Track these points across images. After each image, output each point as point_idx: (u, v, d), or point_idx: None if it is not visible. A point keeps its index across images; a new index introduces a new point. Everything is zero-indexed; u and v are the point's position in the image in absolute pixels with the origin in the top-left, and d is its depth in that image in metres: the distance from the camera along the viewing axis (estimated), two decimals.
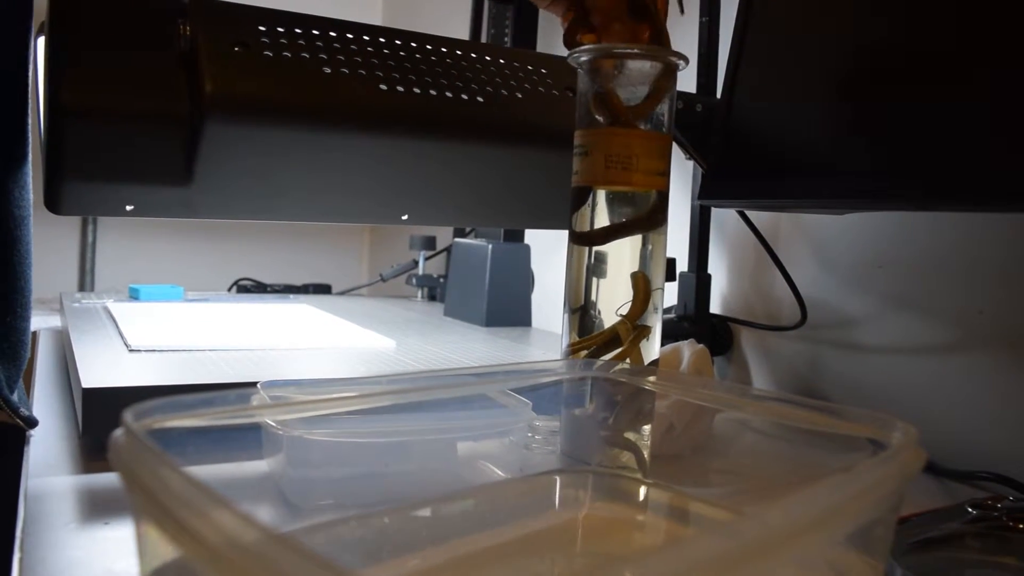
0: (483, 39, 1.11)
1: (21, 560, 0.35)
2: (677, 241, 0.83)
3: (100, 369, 0.55)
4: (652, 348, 0.47)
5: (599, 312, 0.47)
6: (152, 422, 0.27)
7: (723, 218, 0.84)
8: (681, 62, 0.47)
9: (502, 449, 0.46)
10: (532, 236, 1.08)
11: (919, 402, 0.65)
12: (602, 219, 0.47)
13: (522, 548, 0.37)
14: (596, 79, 0.47)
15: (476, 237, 1.08)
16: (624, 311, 0.47)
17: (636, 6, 0.48)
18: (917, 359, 0.66)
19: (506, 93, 0.62)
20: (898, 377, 0.67)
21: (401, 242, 1.62)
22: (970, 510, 0.44)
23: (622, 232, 0.47)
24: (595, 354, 0.47)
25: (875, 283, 0.69)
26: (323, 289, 1.48)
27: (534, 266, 1.02)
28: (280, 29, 0.55)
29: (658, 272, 0.47)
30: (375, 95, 0.56)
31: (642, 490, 0.44)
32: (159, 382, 0.53)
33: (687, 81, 0.70)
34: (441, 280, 1.24)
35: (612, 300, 0.47)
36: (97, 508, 0.42)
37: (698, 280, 0.80)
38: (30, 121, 0.52)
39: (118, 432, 0.25)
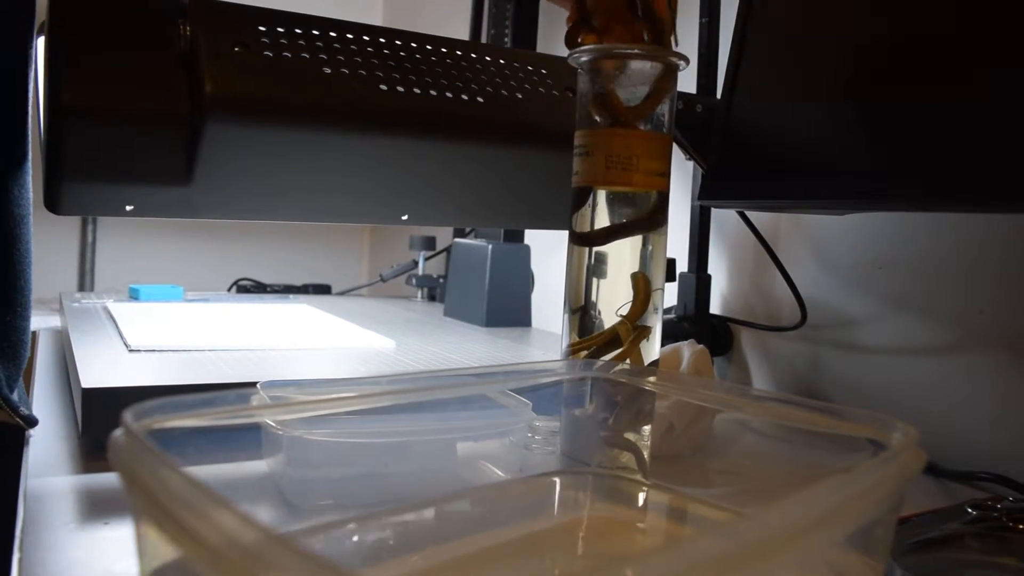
0: (483, 39, 1.11)
1: (20, 560, 0.35)
2: (677, 241, 0.83)
3: (100, 369, 0.55)
4: (652, 348, 0.47)
5: (599, 312, 0.47)
6: (152, 422, 0.27)
7: (723, 218, 0.84)
8: (681, 62, 0.47)
9: (502, 449, 0.46)
10: (532, 236, 1.08)
11: (919, 403, 0.65)
12: (602, 219, 0.47)
13: (522, 549, 0.37)
14: (596, 80, 0.47)
15: (476, 237, 1.08)
16: (624, 311, 0.47)
17: (636, 7, 0.48)
18: (917, 360, 0.66)
19: (506, 93, 0.62)
20: (898, 378, 0.67)
21: (401, 242, 1.62)
22: (970, 511, 0.44)
23: (622, 233, 0.47)
24: (595, 354, 0.47)
25: (875, 283, 0.69)
26: (323, 289, 1.48)
27: (534, 266, 1.02)
28: (280, 29, 0.55)
29: (658, 272, 0.47)
30: (375, 95, 0.56)
31: (642, 491, 0.44)
32: (159, 382, 0.53)
33: (687, 81, 0.70)
34: (441, 280, 1.24)
35: (612, 300, 0.47)
36: (97, 508, 0.42)
37: (698, 280, 0.80)
38: (30, 121, 0.52)
39: (118, 432, 0.25)
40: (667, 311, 0.82)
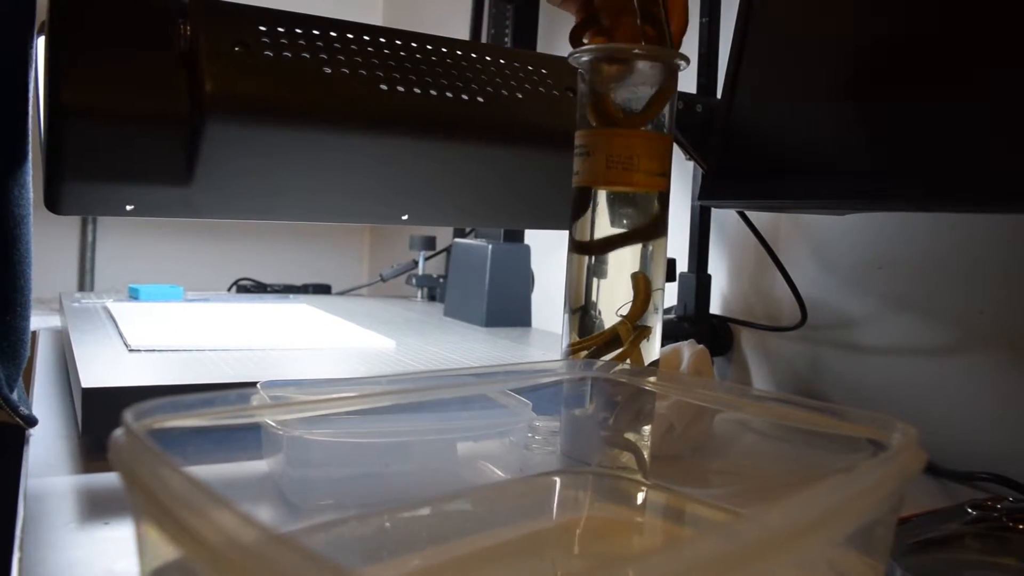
0: (483, 39, 1.11)
1: (21, 560, 0.35)
2: (677, 242, 0.83)
3: (100, 369, 0.55)
4: (652, 348, 0.47)
5: (599, 312, 0.47)
6: (152, 422, 0.27)
7: (723, 219, 0.84)
8: (682, 63, 0.47)
9: (502, 449, 0.46)
10: (532, 236, 1.08)
11: (919, 403, 0.65)
12: (603, 220, 0.47)
13: (522, 548, 0.37)
14: (594, 82, 0.47)
15: (476, 237, 1.08)
16: (624, 311, 0.47)
17: (641, 10, 0.48)
18: (917, 360, 0.66)
19: (506, 93, 0.62)
20: (898, 378, 0.67)
21: (401, 242, 1.62)
22: (970, 511, 0.44)
23: (621, 243, 0.47)
24: (595, 354, 0.47)
25: (875, 284, 0.69)
26: (323, 289, 1.48)
27: (534, 266, 1.02)
28: (280, 29, 0.55)
29: (658, 273, 0.47)
30: (375, 95, 0.56)
31: (642, 491, 0.44)
32: (159, 382, 0.53)
33: (687, 81, 0.70)
34: (441, 280, 1.24)
35: (612, 300, 0.47)
36: (97, 508, 0.42)
37: (698, 281, 0.80)
38: (30, 121, 0.52)
39: (118, 432, 0.25)
40: (667, 311, 0.82)
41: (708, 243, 0.82)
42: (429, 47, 0.61)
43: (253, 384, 0.35)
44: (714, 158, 0.62)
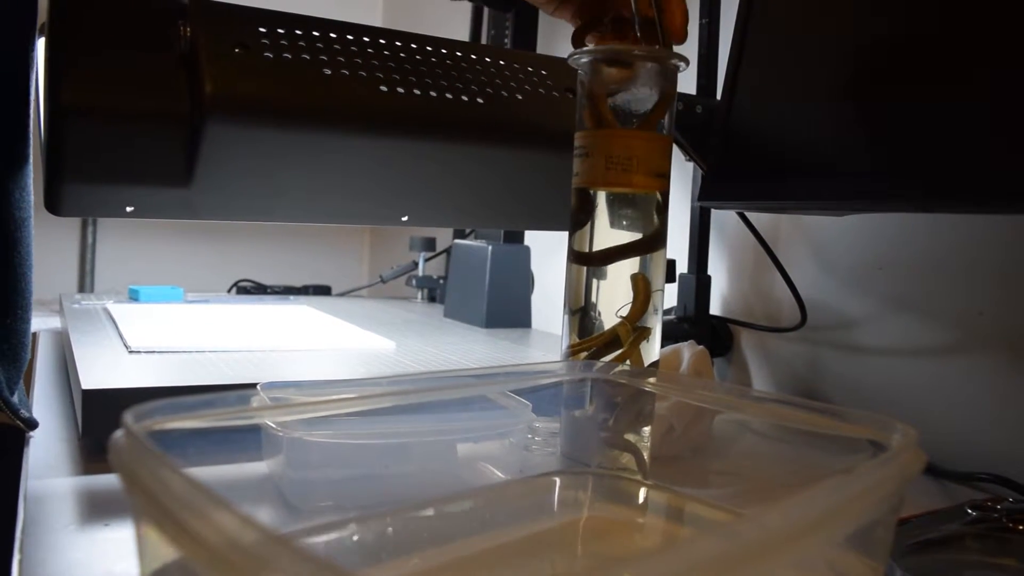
0: (483, 40, 1.12)
1: (21, 562, 0.35)
2: (677, 242, 0.83)
3: (100, 370, 0.55)
4: (652, 349, 0.47)
5: (599, 313, 0.47)
6: (152, 423, 0.27)
7: (723, 220, 0.84)
8: (681, 64, 0.47)
9: (502, 450, 0.46)
10: (532, 237, 1.08)
11: (919, 403, 0.65)
12: (603, 221, 0.47)
13: (522, 549, 0.37)
14: (592, 84, 0.47)
15: (476, 238, 1.08)
16: (624, 312, 0.47)
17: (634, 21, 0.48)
18: (917, 360, 0.66)
19: (506, 94, 0.62)
20: (898, 378, 0.67)
21: (401, 243, 1.62)
22: (970, 511, 0.44)
23: (621, 255, 0.47)
24: (595, 355, 0.47)
25: (875, 284, 0.69)
26: (323, 290, 1.48)
27: (534, 267, 1.02)
28: (280, 30, 0.55)
29: (658, 274, 0.47)
30: (375, 96, 0.56)
31: (642, 491, 0.44)
32: (159, 383, 0.53)
33: (687, 82, 0.70)
34: (441, 281, 1.24)
35: (612, 302, 0.47)
36: (97, 510, 0.42)
37: (698, 281, 0.80)
38: (31, 123, 0.52)
39: (118, 433, 0.25)
40: (667, 312, 0.82)
41: (708, 244, 0.82)
42: (429, 48, 0.61)
43: (253, 385, 0.35)
44: (714, 159, 0.62)
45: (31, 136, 0.52)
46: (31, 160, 0.53)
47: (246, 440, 0.37)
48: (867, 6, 0.52)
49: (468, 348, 0.78)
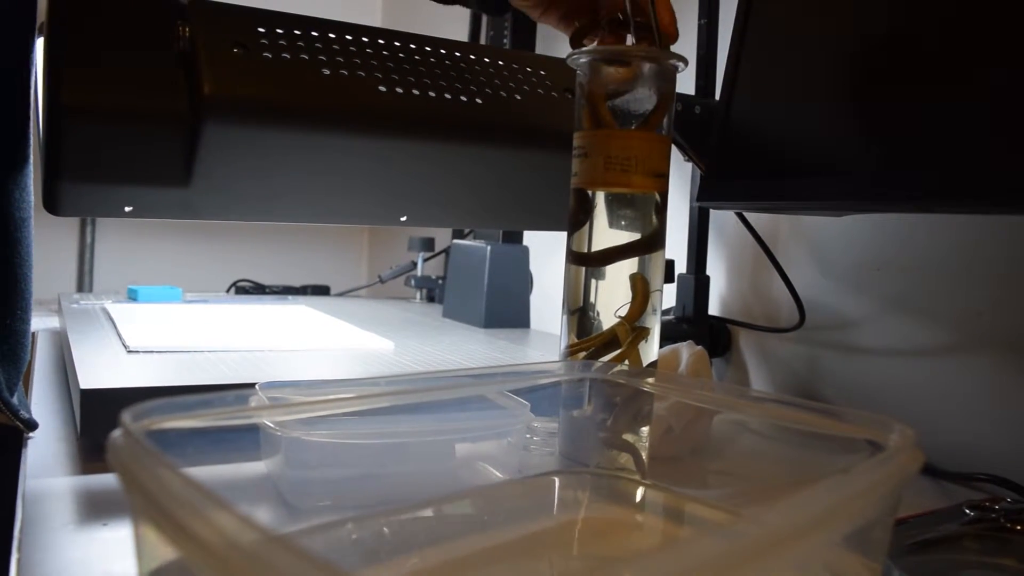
0: (482, 41, 1.12)
1: (19, 561, 0.35)
2: (676, 243, 0.83)
3: (98, 370, 0.55)
4: (651, 350, 0.48)
5: (598, 313, 0.47)
6: (150, 423, 0.27)
7: (722, 220, 0.84)
8: (680, 64, 0.47)
9: (500, 450, 0.46)
10: (531, 237, 1.08)
11: (917, 404, 0.65)
12: (601, 221, 0.47)
13: (520, 549, 0.37)
14: (591, 84, 0.47)
15: (475, 238, 1.08)
16: (623, 312, 0.47)
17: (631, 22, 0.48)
18: (915, 361, 0.66)
19: (505, 95, 0.62)
20: (896, 379, 0.67)
21: (400, 243, 1.62)
22: (968, 512, 0.44)
23: (620, 256, 0.47)
24: (594, 355, 0.47)
25: (873, 285, 0.69)
26: (322, 290, 1.48)
27: (533, 267, 1.02)
28: (279, 31, 0.55)
29: (657, 274, 0.47)
30: (374, 97, 0.56)
31: (640, 492, 0.44)
32: (157, 383, 0.53)
33: (686, 83, 0.70)
34: (440, 281, 1.24)
35: (611, 302, 0.47)
36: (95, 509, 0.41)
37: (697, 282, 0.80)
38: (31, 123, 0.52)
39: (116, 433, 0.25)
40: (666, 312, 0.82)
41: (707, 244, 0.82)
42: (428, 48, 0.61)
43: (251, 385, 0.35)
44: (712, 159, 0.62)
45: (31, 136, 0.52)
46: (31, 160, 0.53)
47: (244, 440, 0.37)
48: (867, 6, 0.52)
49: (467, 348, 0.78)
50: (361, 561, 0.34)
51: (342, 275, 1.83)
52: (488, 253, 0.96)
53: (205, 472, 0.25)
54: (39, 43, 0.52)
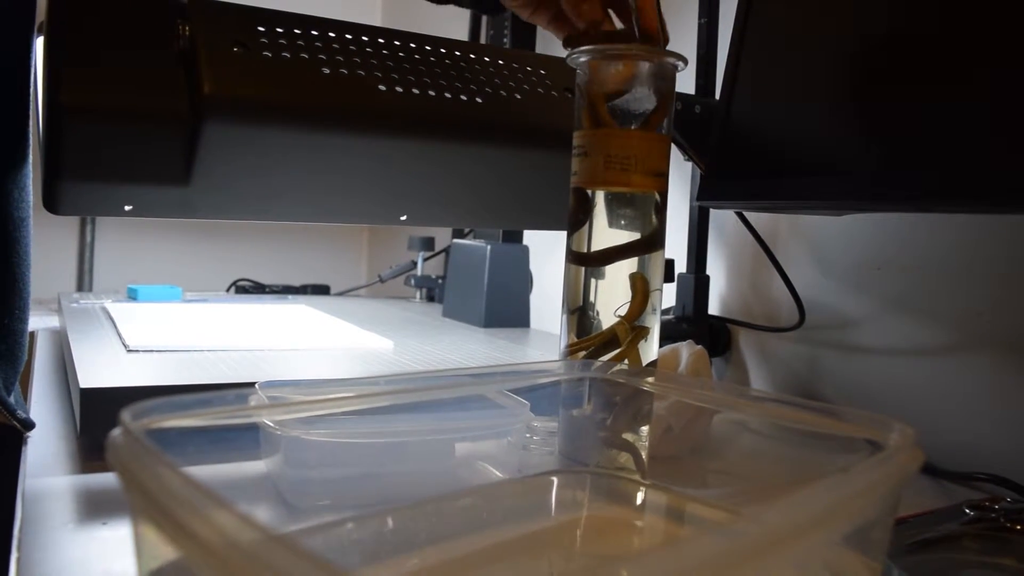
0: (482, 40, 1.12)
1: (19, 560, 0.35)
2: (676, 242, 0.83)
3: (98, 369, 0.55)
4: (650, 349, 0.48)
5: (597, 313, 0.47)
6: (150, 422, 0.27)
7: (722, 219, 0.84)
8: (680, 63, 0.47)
9: (500, 450, 0.46)
10: (531, 237, 1.08)
11: (917, 403, 0.65)
12: (601, 220, 0.47)
13: (520, 549, 0.37)
14: (590, 84, 0.47)
15: (475, 238, 1.08)
16: (622, 312, 0.47)
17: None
18: (915, 360, 0.66)
19: (505, 94, 0.62)
20: (896, 378, 0.67)
21: (400, 243, 1.62)
22: (968, 511, 0.44)
23: (619, 255, 0.47)
24: (593, 355, 0.47)
25: (873, 284, 0.69)
26: (321, 290, 1.48)
27: (532, 267, 1.02)
28: (279, 30, 0.55)
29: (656, 273, 0.47)
30: (374, 96, 0.56)
31: (640, 491, 0.44)
32: (157, 382, 0.53)
33: (686, 82, 0.70)
34: (440, 281, 1.24)
35: (611, 301, 0.47)
36: (95, 508, 0.41)
37: (697, 281, 0.80)
38: (31, 122, 0.52)
39: (116, 432, 0.25)
40: (665, 312, 0.82)
41: (706, 244, 0.82)
42: (428, 47, 0.61)
43: (251, 384, 0.35)
44: (712, 159, 0.62)
45: (30, 135, 0.52)
46: (30, 160, 0.53)
47: (244, 439, 0.37)
48: (866, 6, 0.52)
49: (466, 347, 0.78)
50: (361, 561, 0.34)
51: (342, 274, 1.83)
52: (488, 253, 0.96)
53: (205, 471, 0.25)
54: (39, 42, 0.52)
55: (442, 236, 1.35)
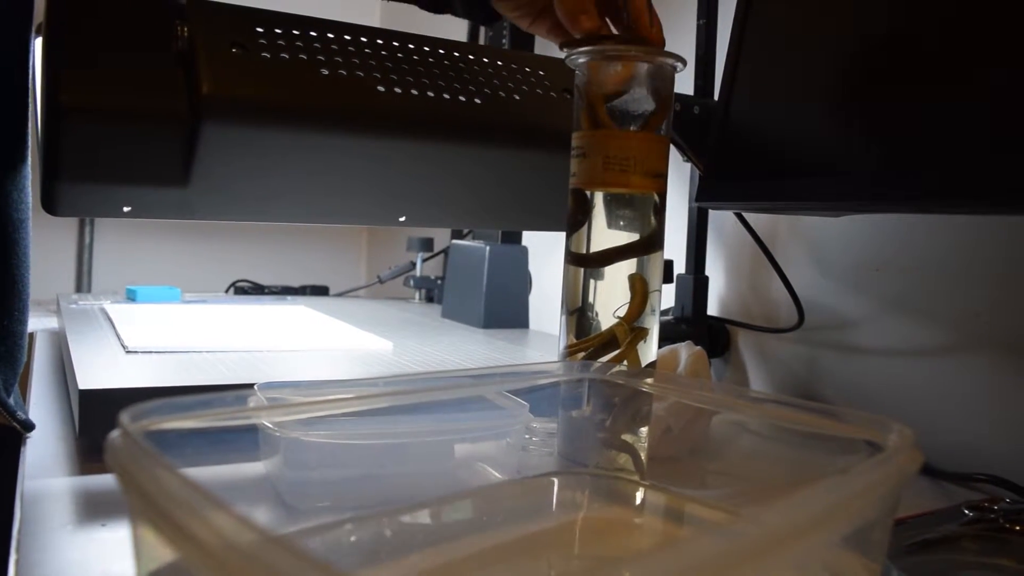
0: (481, 41, 1.11)
1: (17, 562, 0.35)
2: (675, 243, 0.83)
3: (97, 370, 0.55)
4: (649, 350, 0.47)
5: (597, 314, 0.47)
6: (149, 423, 0.27)
7: (721, 220, 0.84)
8: (679, 64, 0.47)
9: (499, 451, 0.46)
10: (530, 237, 1.08)
11: (916, 404, 0.65)
12: (600, 221, 0.47)
13: (519, 550, 0.37)
14: (589, 85, 0.47)
15: (474, 239, 1.08)
16: (622, 313, 0.47)
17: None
18: (914, 361, 0.66)
19: (504, 95, 0.62)
20: (895, 379, 0.67)
21: (399, 244, 1.62)
22: (967, 512, 0.44)
23: (619, 256, 0.47)
24: (592, 356, 0.47)
25: (872, 285, 0.69)
26: (321, 291, 1.48)
27: (532, 268, 1.02)
28: (278, 31, 0.55)
29: (656, 274, 0.47)
30: (373, 97, 0.56)
31: (639, 492, 0.44)
32: (156, 383, 0.53)
33: (685, 83, 0.70)
34: (439, 282, 1.24)
35: (610, 302, 0.47)
36: (94, 510, 0.41)
37: (696, 282, 0.80)
38: (29, 123, 0.52)
39: (115, 433, 0.24)
40: (664, 312, 0.82)
41: (705, 245, 0.82)
42: (426, 48, 0.61)
43: (250, 385, 0.35)
44: (711, 159, 0.62)
45: (29, 137, 0.52)
46: (29, 161, 0.53)
47: (243, 440, 0.37)
48: (866, 6, 0.52)
49: (466, 348, 0.78)
50: (360, 561, 0.34)
51: (341, 275, 1.83)
52: (487, 253, 0.96)
53: (203, 473, 0.25)
54: (37, 43, 0.52)
55: (441, 237, 1.35)
